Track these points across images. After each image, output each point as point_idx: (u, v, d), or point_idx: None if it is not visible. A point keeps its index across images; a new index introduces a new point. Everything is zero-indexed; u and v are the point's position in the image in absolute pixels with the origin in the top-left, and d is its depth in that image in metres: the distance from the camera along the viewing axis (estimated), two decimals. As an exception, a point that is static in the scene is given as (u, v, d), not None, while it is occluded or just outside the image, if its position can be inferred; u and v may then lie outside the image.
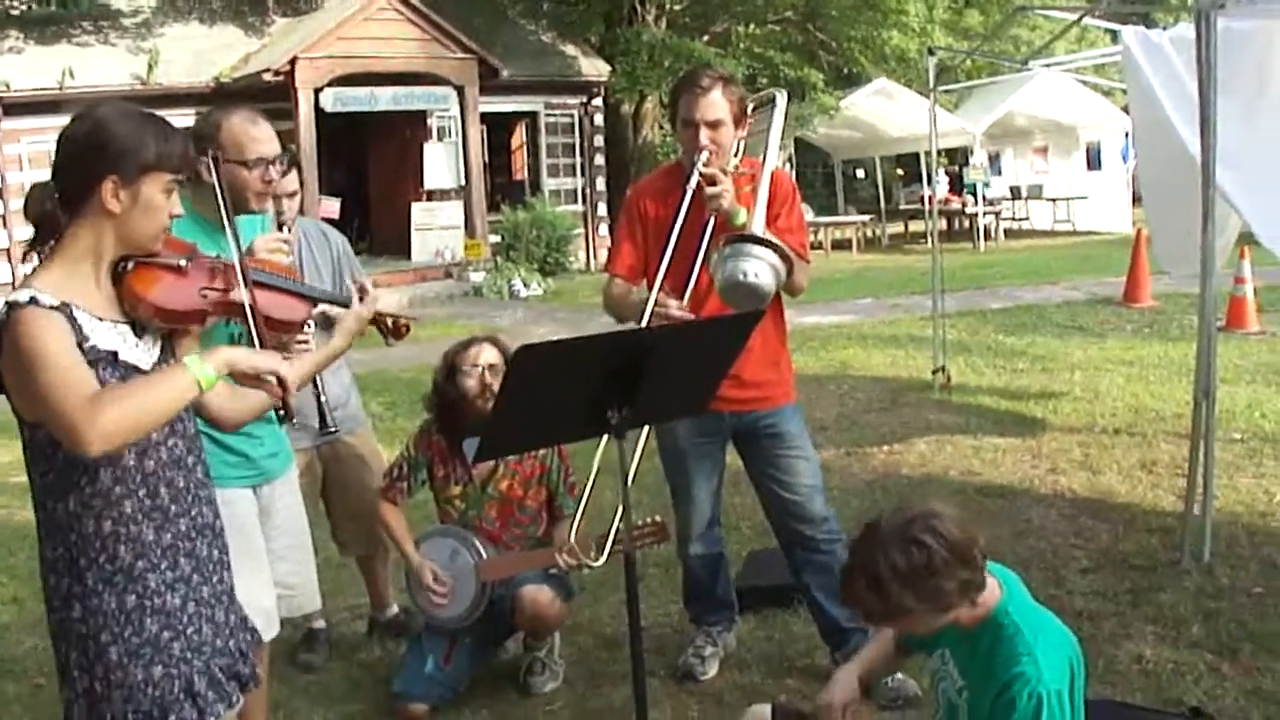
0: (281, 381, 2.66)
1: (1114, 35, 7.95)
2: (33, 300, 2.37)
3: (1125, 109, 22.64)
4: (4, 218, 17.53)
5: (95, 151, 2.47)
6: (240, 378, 2.63)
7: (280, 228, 4.60)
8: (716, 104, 4.12)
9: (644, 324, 4.01)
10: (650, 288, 4.10)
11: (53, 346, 2.35)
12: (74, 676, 2.55)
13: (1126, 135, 23.76)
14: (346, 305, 3.17)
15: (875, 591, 2.64)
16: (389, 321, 3.30)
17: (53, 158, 2.55)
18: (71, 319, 2.41)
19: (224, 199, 2.95)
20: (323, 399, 4.23)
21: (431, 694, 4.42)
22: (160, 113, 2.64)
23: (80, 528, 2.50)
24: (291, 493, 3.94)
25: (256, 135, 3.56)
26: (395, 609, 5.26)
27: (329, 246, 4.90)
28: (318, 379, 4.25)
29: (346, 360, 5.10)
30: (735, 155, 4.29)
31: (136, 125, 2.51)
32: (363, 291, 3.18)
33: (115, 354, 2.48)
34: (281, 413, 2.75)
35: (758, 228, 4.01)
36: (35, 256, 2.57)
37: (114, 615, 2.51)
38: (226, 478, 3.54)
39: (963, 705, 2.81)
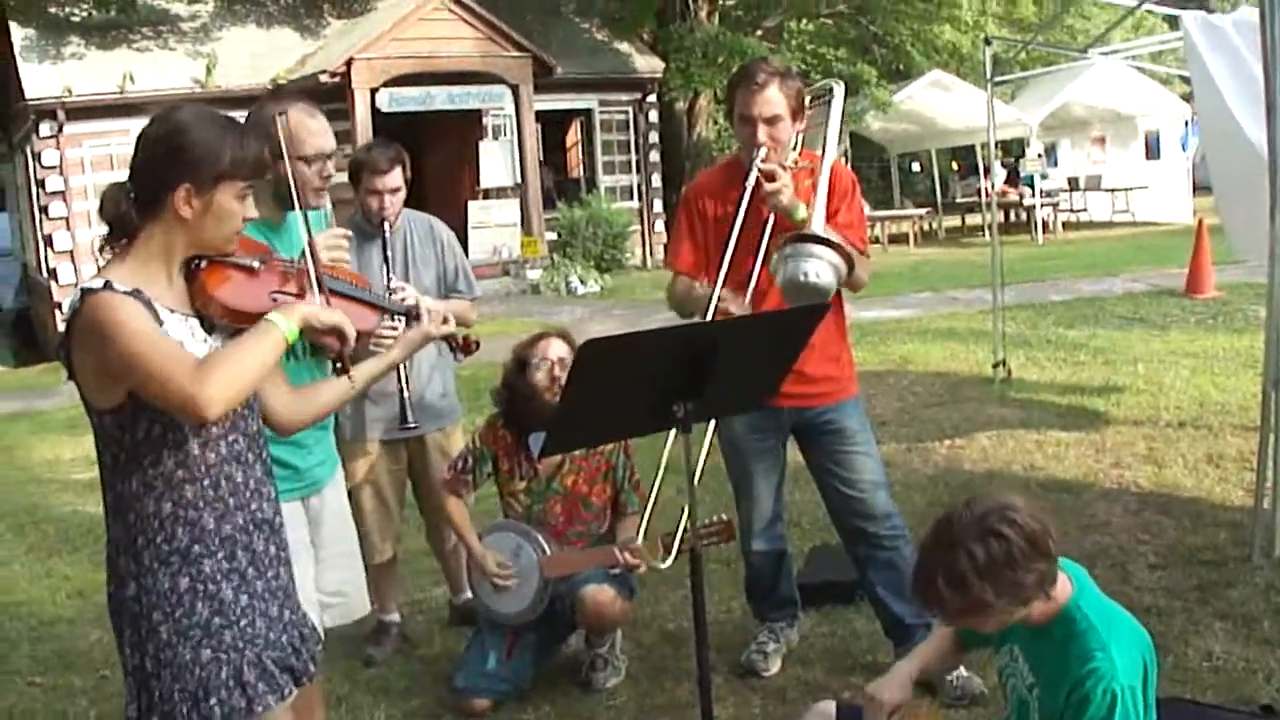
0: (343, 335, 2.70)
1: (1172, 21, 7.84)
2: (107, 285, 2.41)
3: (1184, 97, 22.45)
4: (68, 220, 17.79)
5: (171, 157, 2.49)
6: (310, 333, 2.67)
7: (383, 224, 4.67)
8: (773, 100, 4.09)
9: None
10: (712, 284, 4.08)
11: (138, 322, 2.39)
12: (126, 654, 2.59)
13: (1186, 124, 23.49)
14: (416, 316, 3.19)
15: (955, 588, 2.60)
16: (459, 338, 3.32)
17: (131, 157, 2.57)
18: (147, 304, 2.44)
19: (297, 195, 2.99)
20: (406, 395, 4.26)
21: (493, 689, 4.44)
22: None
23: (140, 508, 2.53)
24: (339, 498, 3.92)
25: (314, 129, 3.58)
26: (469, 594, 5.27)
27: (434, 241, 4.98)
28: (402, 376, 4.28)
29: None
30: (793, 149, 4.26)
31: (214, 133, 2.53)
32: (432, 312, 3.22)
33: (181, 345, 2.50)
34: (338, 366, 2.78)
35: (818, 224, 3.97)
36: (109, 252, 2.60)
37: (166, 595, 2.53)
38: None
39: (1034, 702, 2.77)
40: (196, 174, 2.49)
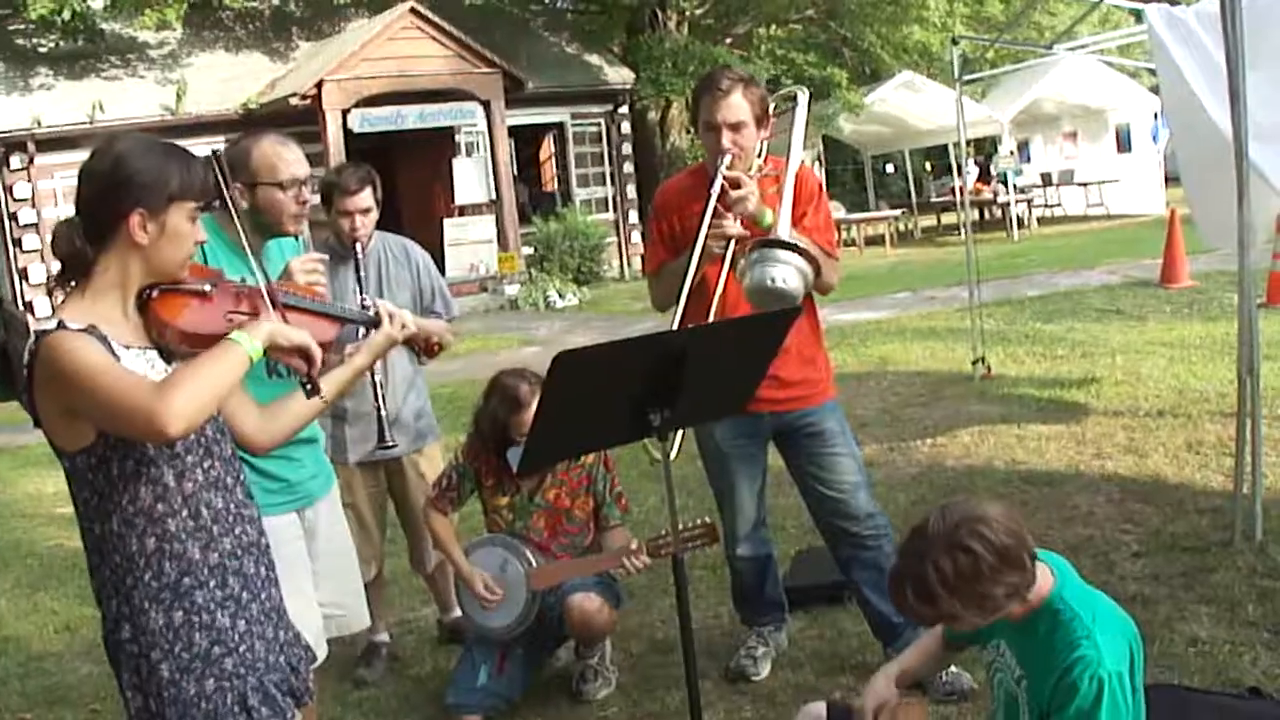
0: (308, 355, 2.67)
1: (1138, 15, 7.89)
2: (60, 325, 2.40)
3: (1153, 89, 22.55)
4: (42, 253, 17.74)
5: (120, 185, 2.48)
6: (275, 352, 2.63)
7: (355, 244, 4.64)
8: (737, 106, 4.10)
9: (699, 247, 4.01)
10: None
11: (95, 357, 2.36)
12: (128, 697, 2.56)
13: (1156, 116, 23.59)
14: (376, 325, 3.17)
15: (923, 599, 2.63)
16: (422, 341, 3.29)
17: (76, 192, 2.55)
18: (102, 339, 2.42)
19: (242, 225, 2.97)
20: (384, 415, 4.24)
21: (485, 704, 4.43)
22: (190, 141, 2.67)
23: (124, 547, 2.51)
24: (334, 511, 3.93)
25: (287, 156, 3.60)
26: (458, 612, 5.25)
27: (409, 262, 4.96)
28: (379, 396, 4.26)
29: (422, 374, 5.14)
30: (759, 155, 4.28)
31: (159, 157, 2.53)
32: (391, 315, 3.16)
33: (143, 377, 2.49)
34: (308, 386, 2.76)
35: (784, 230, 3.98)
36: (62, 292, 2.58)
37: (162, 632, 2.51)
38: (267, 505, 3.51)
39: (1022, 694, 2.79)
40: (148, 198, 2.49)
